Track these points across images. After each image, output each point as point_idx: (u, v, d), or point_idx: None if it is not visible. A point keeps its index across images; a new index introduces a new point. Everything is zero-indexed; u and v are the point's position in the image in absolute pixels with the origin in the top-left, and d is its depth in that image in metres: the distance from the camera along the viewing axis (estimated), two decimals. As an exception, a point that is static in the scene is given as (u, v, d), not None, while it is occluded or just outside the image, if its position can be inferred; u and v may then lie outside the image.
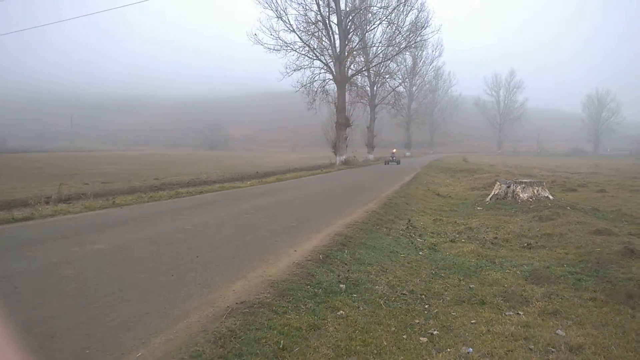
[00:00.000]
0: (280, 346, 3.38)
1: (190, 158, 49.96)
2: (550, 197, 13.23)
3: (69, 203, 10.99)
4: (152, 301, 4.20)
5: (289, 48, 34.50)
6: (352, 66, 38.76)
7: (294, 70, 35.05)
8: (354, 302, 4.55)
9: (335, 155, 35.88)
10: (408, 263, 6.44)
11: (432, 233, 8.92)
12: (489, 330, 4.15)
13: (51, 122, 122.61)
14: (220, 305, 4.13)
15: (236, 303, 4.15)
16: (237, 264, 5.64)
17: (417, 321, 4.32)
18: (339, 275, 5.26)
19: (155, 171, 25.53)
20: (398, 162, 38.45)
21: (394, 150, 41.43)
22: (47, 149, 78.40)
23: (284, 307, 4.14)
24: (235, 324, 3.65)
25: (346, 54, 35.83)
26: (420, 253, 7.16)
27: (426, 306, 4.77)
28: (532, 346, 3.78)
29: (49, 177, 19.58)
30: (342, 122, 35.71)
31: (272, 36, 34.20)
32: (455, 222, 10.33)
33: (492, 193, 13.99)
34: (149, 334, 3.47)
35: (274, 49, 34.35)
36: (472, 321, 4.40)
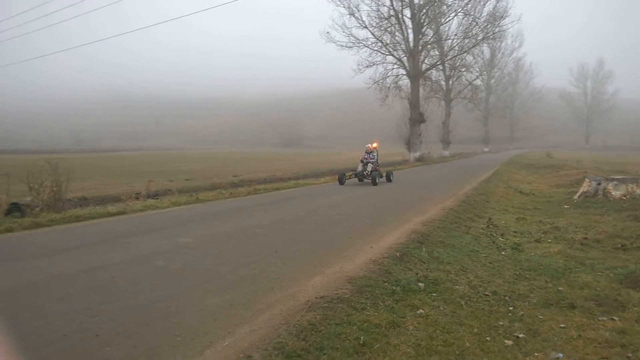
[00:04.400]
0: (361, 342, 3.39)
1: (266, 156, 51.30)
2: (647, 195, 12.17)
3: (157, 199, 11.71)
4: (235, 293, 4.37)
5: (361, 44, 34.37)
6: (426, 60, 37.89)
7: (367, 66, 34.85)
8: (433, 301, 4.46)
9: (409, 151, 35.32)
10: (490, 263, 6.21)
11: (515, 232, 8.52)
12: (580, 336, 3.91)
13: (141, 122, 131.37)
14: (300, 299, 4.21)
15: (315, 297, 4.21)
16: (314, 259, 5.73)
17: (501, 323, 4.16)
18: (417, 274, 5.18)
19: (233, 169, 26.49)
20: (377, 178, 15.99)
21: (374, 145, 17.83)
22: (137, 148, 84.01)
23: (362, 303, 4.15)
24: (315, 318, 3.71)
25: (420, 48, 35.08)
26: (503, 253, 6.87)
27: (510, 308, 4.57)
28: (630, 354, 3.51)
29: (137, 174, 20.92)
30: (416, 118, 35.02)
31: (344, 33, 34.26)
32: (540, 221, 9.79)
33: (581, 191, 13.11)
34: (234, 324, 3.61)
35: (346, 46, 34.40)
36: (562, 325, 4.16)
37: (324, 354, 3.18)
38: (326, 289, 4.49)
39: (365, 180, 16.41)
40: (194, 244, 6.52)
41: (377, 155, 17.64)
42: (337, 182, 16.19)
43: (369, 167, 16.73)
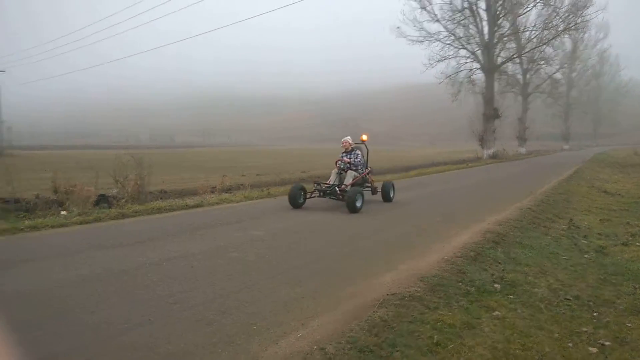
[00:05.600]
0: (434, 341, 3.34)
1: (332, 152, 51.43)
2: None
3: (231, 193, 12.13)
4: (307, 286, 4.46)
5: (432, 38, 33.67)
6: (501, 53, 36.27)
7: (438, 61, 34.03)
8: (510, 303, 4.29)
9: (482, 148, 34.11)
10: (571, 266, 5.86)
11: (599, 234, 7.98)
12: (675, 348, 3.61)
13: (211, 119, 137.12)
14: (371, 295, 4.21)
15: (387, 294, 4.19)
16: (384, 256, 5.71)
17: (584, 329, 3.93)
18: (492, 275, 5.00)
19: (300, 165, 26.87)
20: (358, 199, 9.05)
21: (363, 137, 11.30)
22: (208, 144, 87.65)
23: (435, 302, 4.08)
24: (388, 315, 3.70)
25: (495, 40, 33.72)
26: (586, 256, 6.47)
27: (594, 314, 4.30)
28: None
29: (211, 169, 21.77)
30: (490, 114, 33.74)
31: (415, 27, 33.73)
32: (628, 223, 9.11)
33: (675, 191, 12.06)
34: (306, 317, 3.68)
35: (417, 41, 33.82)
36: (653, 335, 3.86)
37: (397, 351, 3.16)
38: (398, 286, 4.45)
39: (339, 199, 9.64)
40: (266, 237, 6.70)
41: (367, 154, 11.06)
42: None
43: (350, 177, 9.97)
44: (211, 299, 4.07)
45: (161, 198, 11.15)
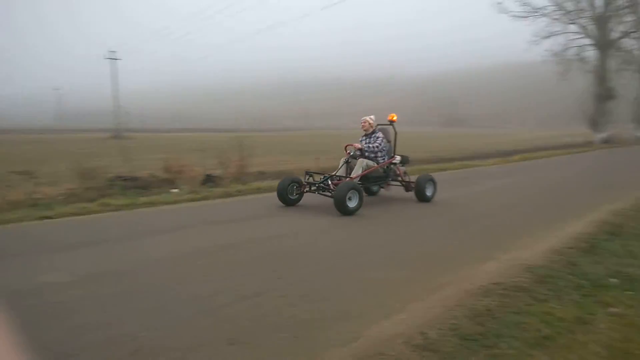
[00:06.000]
0: (542, 334, 3.18)
1: (428, 136, 50.21)
2: None
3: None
4: (410, 270, 4.51)
5: (538, 13, 31.32)
6: (617, 28, 32.87)
7: (544, 37, 31.67)
8: (629, 299, 3.96)
9: (593, 132, 31.39)
10: (702, 263, 5.28)
11: None
12: None
13: (311, 104, 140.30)
14: (474, 283, 4.12)
15: (491, 283, 4.08)
16: (485, 244, 5.55)
17: None
18: (608, 268, 4.64)
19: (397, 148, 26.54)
20: (352, 195, 6.92)
21: (392, 117, 8.89)
22: (308, 127, 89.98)
23: (544, 294, 3.88)
24: (492, 304, 3.60)
25: (610, 14, 30.60)
26: None
27: None
28: None
29: (307, 152, 22.22)
30: (603, 94, 30.89)
31: (518, 2, 31.57)
32: None
33: None
34: (409, 300, 3.69)
35: (520, 17, 31.67)
36: None
37: (503, 342, 3.06)
38: (502, 275, 4.31)
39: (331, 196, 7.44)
40: (366, 218, 6.85)
41: (395, 138, 8.99)
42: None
43: (359, 167, 7.97)
44: (314, 276, 4.25)
45: (260, 179, 11.63)
